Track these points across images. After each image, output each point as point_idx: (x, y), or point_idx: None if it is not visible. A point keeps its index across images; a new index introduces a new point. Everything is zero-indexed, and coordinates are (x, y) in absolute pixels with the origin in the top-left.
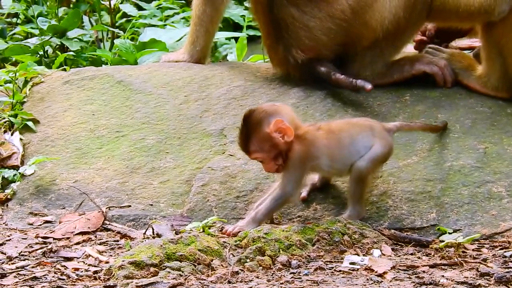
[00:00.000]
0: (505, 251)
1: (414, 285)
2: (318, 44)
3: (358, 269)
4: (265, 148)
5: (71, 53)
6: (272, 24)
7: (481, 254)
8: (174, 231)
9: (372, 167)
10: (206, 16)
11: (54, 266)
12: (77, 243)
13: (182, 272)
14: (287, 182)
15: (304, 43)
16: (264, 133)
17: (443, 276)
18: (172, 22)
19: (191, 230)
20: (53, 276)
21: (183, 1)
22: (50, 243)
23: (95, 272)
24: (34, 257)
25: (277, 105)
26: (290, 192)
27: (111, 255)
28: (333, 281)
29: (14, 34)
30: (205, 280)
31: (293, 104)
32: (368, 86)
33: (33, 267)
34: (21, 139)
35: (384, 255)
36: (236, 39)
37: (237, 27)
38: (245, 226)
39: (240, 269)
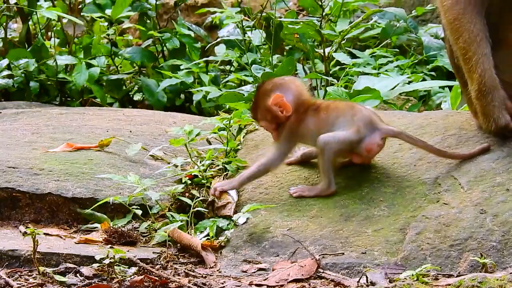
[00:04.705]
0: None
1: None
2: None
3: None
4: (268, 118)
5: None
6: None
7: None
8: (388, 279)
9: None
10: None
11: None
12: None
13: None
14: (274, 151)
15: None
16: (266, 105)
17: None
18: (386, 71)
19: (405, 278)
20: None
21: (397, 50)
22: None
23: None
24: None
25: (286, 79)
26: (275, 163)
27: None
28: None
29: (227, 81)
30: None
31: None
32: None
33: None
34: None
35: None
36: (450, 87)
37: (450, 76)
38: (227, 185)
39: None
